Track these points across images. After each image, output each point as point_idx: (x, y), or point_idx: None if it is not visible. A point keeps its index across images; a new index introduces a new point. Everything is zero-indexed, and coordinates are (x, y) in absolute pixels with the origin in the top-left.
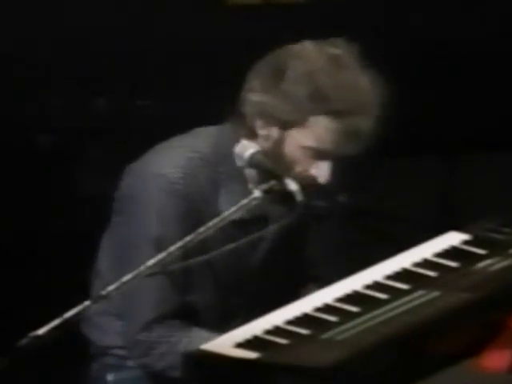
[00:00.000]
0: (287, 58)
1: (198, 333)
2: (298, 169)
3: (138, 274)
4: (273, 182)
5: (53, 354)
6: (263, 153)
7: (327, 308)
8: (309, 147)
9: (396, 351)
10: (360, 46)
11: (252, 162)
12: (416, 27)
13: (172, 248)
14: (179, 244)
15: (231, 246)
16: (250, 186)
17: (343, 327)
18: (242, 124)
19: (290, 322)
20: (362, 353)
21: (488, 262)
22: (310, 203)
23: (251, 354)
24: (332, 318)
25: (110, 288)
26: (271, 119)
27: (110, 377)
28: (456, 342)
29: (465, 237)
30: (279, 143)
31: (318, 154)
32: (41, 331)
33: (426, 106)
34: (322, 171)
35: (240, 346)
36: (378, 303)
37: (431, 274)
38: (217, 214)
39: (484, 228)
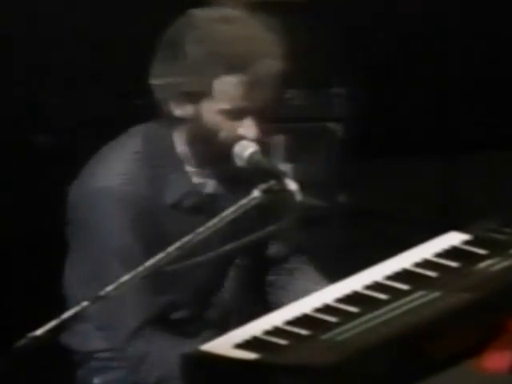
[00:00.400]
0: (177, 32)
1: (189, 343)
2: (224, 135)
3: (135, 275)
4: (272, 182)
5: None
6: (188, 134)
7: (327, 308)
8: (224, 110)
9: (396, 352)
10: (360, 45)
11: (251, 162)
12: (418, 26)
13: (170, 248)
14: (177, 244)
15: (230, 246)
16: (188, 168)
17: (343, 328)
18: (162, 114)
19: (289, 323)
20: (362, 353)
21: (489, 262)
22: (309, 203)
23: (250, 355)
24: (332, 319)
25: (109, 288)
26: (180, 96)
27: (96, 380)
28: (456, 343)
29: (465, 237)
30: (197, 118)
31: (236, 113)
32: (38, 332)
33: (426, 106)
34: (247, 128)
35: (239, 346)
36: (378, 304)
37: (431, 274)
38: (166, 208)
39: (485, 228)
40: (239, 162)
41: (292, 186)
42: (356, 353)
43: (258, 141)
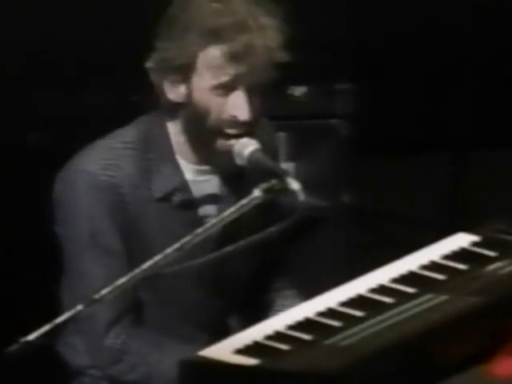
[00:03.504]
0: (173, 11)
1: (170, 344)
2: (215, 115)
3: (131, 278)
4: (274, 181)
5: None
6: (183, 122)
7: (330, 312)
8: (213, 86)
9: (402, 358)
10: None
11: (252, 161)
12: (421, 25)
13: (169, 250)
14: (176, 246)
15: (229, 248)
16: (183, 163)
17: (347, 332)
18: (158, 101)
19: (291, 327)
20: (367, 359)
21: (498, 264)
22: (311, 203)
23: (251, 361)
24: (335, 323)
25: (104, 291)
26: (172, 75)
27: None
28: (465, 348)
29: (474, 238)
30: (190, 100)
31: (225, 89)
32: (31, 337)
33: (429, 106)
34: (238, 108)
35: (239, 352)
36: (384, 307)
37: (439, 276)
38: (150, 199)
39: (494, 229)
40: (239, 161)
41: (294, 185)
42: (360, 358)
43: (250, 122)
